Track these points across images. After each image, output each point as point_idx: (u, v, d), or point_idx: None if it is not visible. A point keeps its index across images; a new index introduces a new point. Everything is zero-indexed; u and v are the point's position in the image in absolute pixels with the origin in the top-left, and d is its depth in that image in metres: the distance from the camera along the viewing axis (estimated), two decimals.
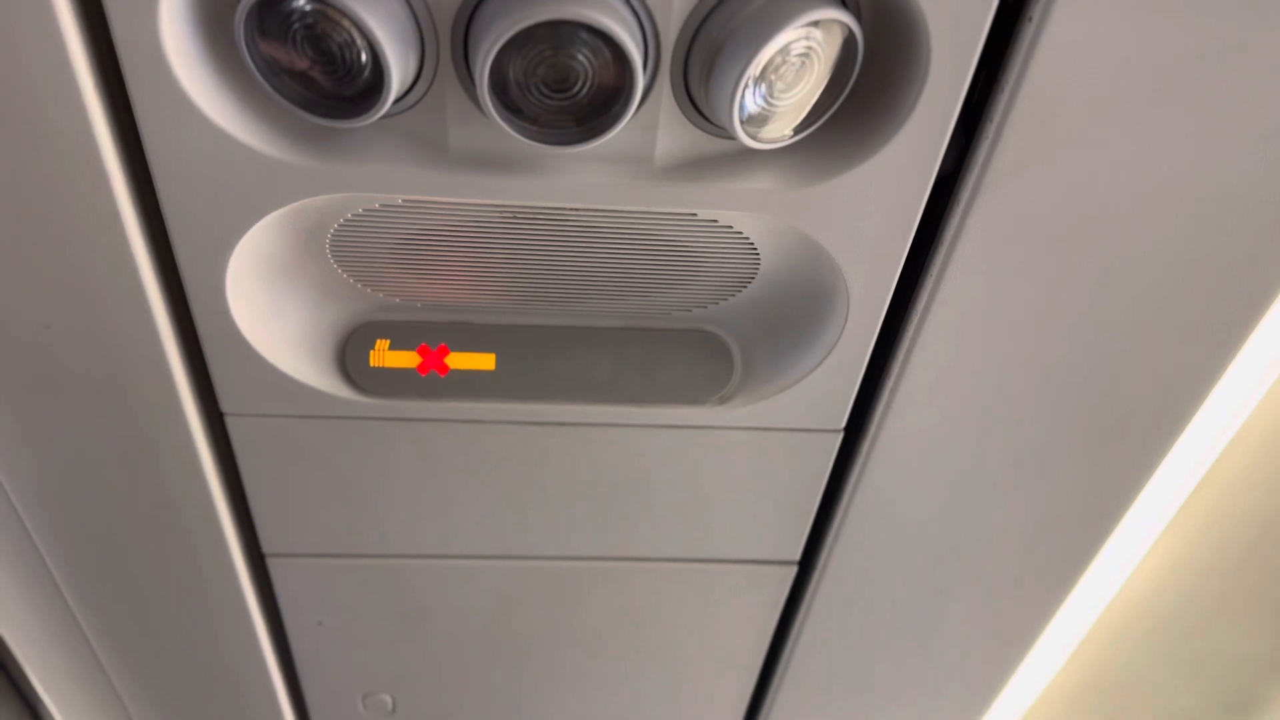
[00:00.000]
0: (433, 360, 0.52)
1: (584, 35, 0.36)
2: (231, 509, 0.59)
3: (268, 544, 0.62)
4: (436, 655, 0.74)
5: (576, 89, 0.38)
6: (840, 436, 0.57)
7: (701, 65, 0.39)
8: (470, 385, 0.53)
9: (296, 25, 0.37)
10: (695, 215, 0.46)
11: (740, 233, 0.47)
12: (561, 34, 0.36)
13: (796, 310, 0.51)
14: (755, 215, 0.46)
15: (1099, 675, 0.88)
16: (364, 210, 0.45)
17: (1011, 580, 0.68)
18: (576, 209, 0.46)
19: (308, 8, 0.36)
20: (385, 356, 0.51)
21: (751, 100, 0.39)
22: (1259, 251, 0.48)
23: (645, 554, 0.65)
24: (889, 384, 0.54)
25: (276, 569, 0.64)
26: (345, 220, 0.45)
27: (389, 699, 0.79)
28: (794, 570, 0.68)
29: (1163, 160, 0.44)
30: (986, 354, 0.52)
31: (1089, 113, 0.42)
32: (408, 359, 0.51)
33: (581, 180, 0.43)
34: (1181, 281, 0.49)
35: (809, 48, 0.38)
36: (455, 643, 0.73)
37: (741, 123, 0.39)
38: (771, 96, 0.39)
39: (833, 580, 0.67)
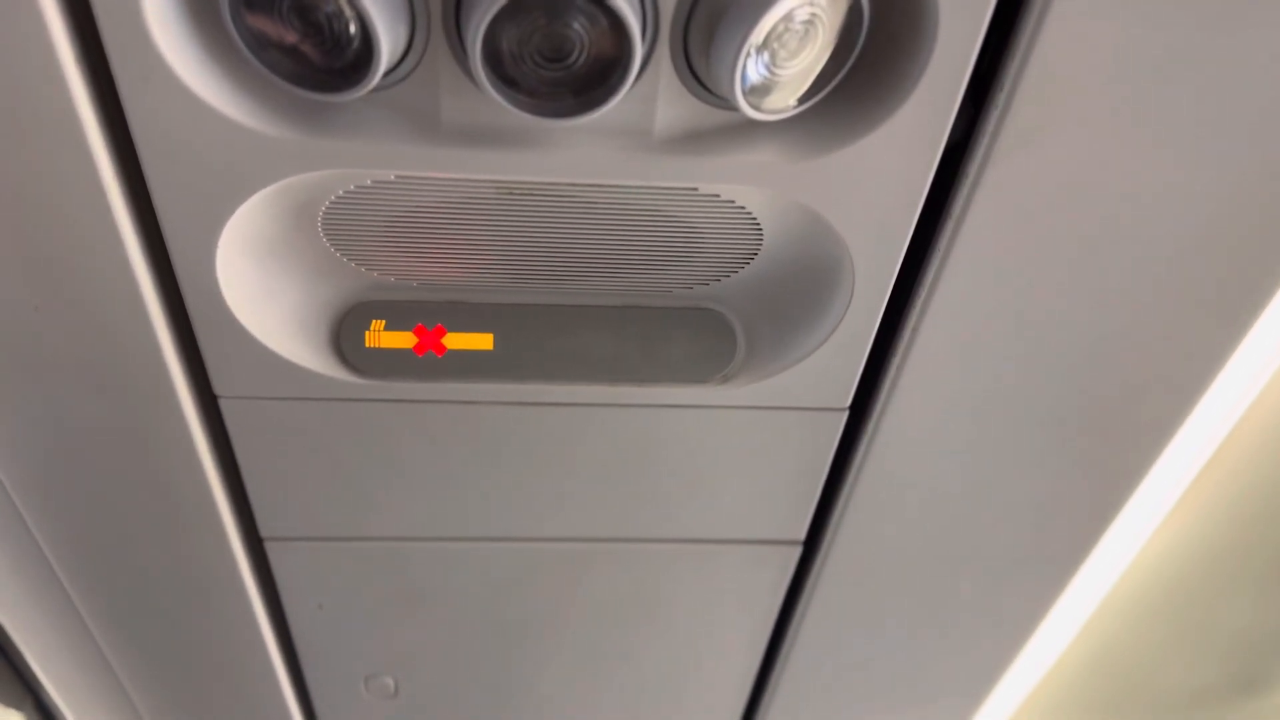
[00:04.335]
0: (429, 340, 0.51)
1: (580, 3, 0.35)
2: (228, 493, 0.59)
3: (265, 528, 0.62)
4: (438, 637, 0.74)
5: (572, 59, 0.37)
6: (845, 415, 0.57)
7: (702, 33, 0.38)
8: (468, 366, 0.52)
9: None
10: (696, 189, 0.45)
11: (743, 207, 0.46)
12: (556, 2, 0.35)
13: (800, 287, 0.50)
14: (758, 189, 0.45)
15: (1105, 653, 0.88)
16: (356, 187, 0.44)
17: (1018, 559, 0.67)
18: (574, 184, 0.45)
19: None
20: (381, 337, 0.51)
21: (754, 69, 0.38)
22: (1276, 223, 0.47)
23: (648, 535, 0.65)
24: (894, 362, 0.53)
25: (275, 553, 0.64)
26: (337, 197, 0.44)
27: (391, 681, 0.78)
28: (799, 550, 0.67)
29: (1179, 131, 0.42)
30: (994, 331, 0.51)
31: (1102, 80, 0.40)
32: (404, 339, 0.51)
33: (579, 154, 0.42)
34: (1194, 255, 0.48)
35: (813, 14, 0.37)
36: (457, 625, 0.72)
37: (744, 93, 0.38)
38: (774, 65, 0.38)
39: (838, 559, 0.66)
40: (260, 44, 0.37)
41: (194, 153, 0.41)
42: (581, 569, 0.67)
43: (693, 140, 0.43)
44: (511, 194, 0.45)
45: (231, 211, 0.43)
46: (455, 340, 0.51)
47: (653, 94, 0.41)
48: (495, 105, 0.38)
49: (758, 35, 0.36)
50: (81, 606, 0.66)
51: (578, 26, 0.36)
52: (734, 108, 0.39)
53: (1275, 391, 0.64)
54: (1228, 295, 0.50)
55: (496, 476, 0.59)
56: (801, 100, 0.40)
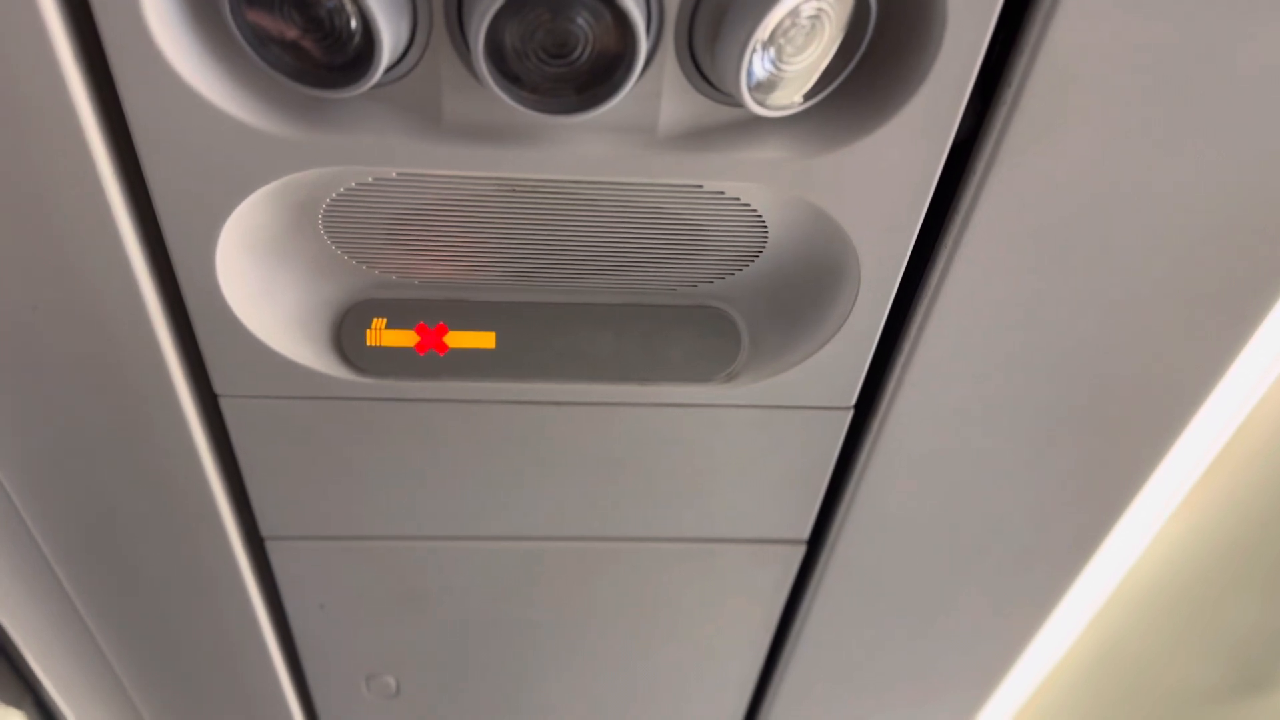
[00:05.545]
0: (431, 339, 0.50)
1: None
2: (228, 492, 0.58)
3: (266, 527, 0.62)
4: (440, 637, 0.73)
5: (576, 55, 0.37)
6: (850, 414, 0.56)
7: (707, 29, 0.38)
8: (470, 364, 0.51)
9: None
10: (701, 187, 0.45)
11: (748, 204, 0.46)
12: None
13: (805, 285, 0.50)
14: (763, 186, 0.44)
15: (1111, 650, 0.88)
16: (357, 184, 0.44)
17: (1024, 558, 0.67)
18: (577, 181, 0.44)
19: None
20: (382, 335, 0.50)
21: (760, 65, 0.37)
22: None
23: (651, 534, 0.64)
24: (900, 360, 0.52)
25: (276, 552, 0.63)
26: (338, 195, 0.44)
27: (393, 681, 0.78)
28: (803, 549, 0.67)
29: (1189, 127, 0.42)
30: (1000, 329, 0.51)
31: (1113, 76, 0.40)
32: (405, 338, 0.50)
33: (582, 151, 0.42)
34: (1203, 253, 0.47)
35: (819, 9, 0.36)
36: (459, 624, 0.72)
37: (749, 89, 0.37)
38: (780, 61, 0.37)
39: (842, 559, 0.66)
40: (260, 40, 0.37)
41: (193, 150, 0.40)
42: (585, 568, 0.67)
43: (697, 137, 0.42)
44: (514, 191, 0.45)
45: (231, 209, 0.43)
46: (457, 339, 0.51)
47: (657, 90, 0.40)
48: (498, 102, 0.37)
49: (763, 31, 0.35)
50: (81, 606, 0.66)
51: (581, 22, 0.36)
52: (739, 104, 0.38)
53: None
54: (1236, 292, 0.50)
55: (499, 476, 0.59)
56: (807, 96, 0.40)
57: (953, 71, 0.39)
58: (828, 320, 0.50)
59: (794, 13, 0.36)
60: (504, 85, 0.37)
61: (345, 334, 0.50)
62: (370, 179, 0.43)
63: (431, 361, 0.51)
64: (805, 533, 0.65)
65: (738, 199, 0.46)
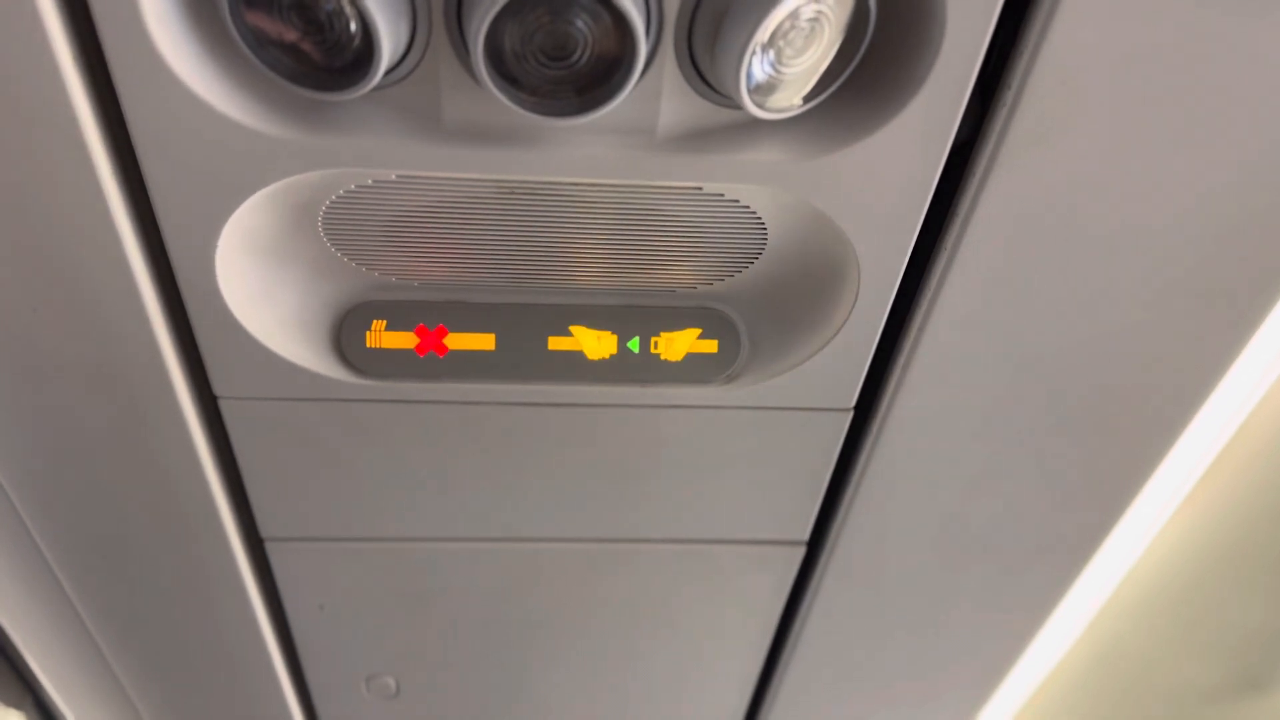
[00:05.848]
0: (431, 341, 0.50)
1: (583, 0, 0.35)
2: (228, 494, 0.58)
3: (266, 528, 0.62)
4: (440, 637, 0.73)
5: (575, 57, 0.37)
6: (850, 415, 0.56)
7: (706, 31, 0.38)
8: (469, 366, 0.51)
9: None
10: (700, 189, 0.45)
11: (747, 207, 0.46)
12: None
13: (805, 286, 0.50)
14: (763, 188, 0.44)
15: (1112, 651, 0.88)
16: (356, 186, 0.44)
17: (1024, 559, 0.67)
18: (576, 183, 0.44)
19: None
20: (382, 337, 0.50)
21: (759, 68, 0.37)
22: None
23: (651, 535, 0.64)
24: (900, 362, 0.52)
25: (275, 553, 0.63)
26: (337, 197, 0.44)
27: (392, 681, 0.78)
28: (802, 550, 0.67)
29: (1193, 128, 0.42)
30: (1000, 331, 0.51)
31: (1114, 77, 0.40)
32: (405, 340, 0.50)
33: (581, 153, 0.42)
34: (1205, 252, 0.47)
35: (819, 11, 0.36)
36: (459, 625, 0.72)
37: (749, 91, 0.37)
38: (780, 64, 0.37)
39: (842, 560, 0.66)
40: (260, 42, 0.37)
41: (193, 152, 0.40)
42: (584, 569, 0.67)
43: (697, 139, 0.42)
44: (513, 193, 0.45)
45: (231, 211, 0.43)
46: (457, 340, 0.51)
47: (656, 92, 0.40)
48: (497, 104, 0.37)
49: (763, 33, 0.35)
50: (81, 607, 0.66)
51: (581, 24, 0.36)
52: (738, 106, 0.38)
53: None
54: (1236, 292, 0.49)
55: (498, 477, 0.59)
56: (807, 99, 0.40)
57: (952, 74, 0.39)
58: (827, 322, 0.50)
59: (793, 15, 0.36)
60: (503, 87, 0.37)
61: (345, 336, 0.50)
62: (370, 181, 0.43)
63: (431, 363, 0.51)
64: (805, 534, 0.65)
65: (737, 201, 0.46)
